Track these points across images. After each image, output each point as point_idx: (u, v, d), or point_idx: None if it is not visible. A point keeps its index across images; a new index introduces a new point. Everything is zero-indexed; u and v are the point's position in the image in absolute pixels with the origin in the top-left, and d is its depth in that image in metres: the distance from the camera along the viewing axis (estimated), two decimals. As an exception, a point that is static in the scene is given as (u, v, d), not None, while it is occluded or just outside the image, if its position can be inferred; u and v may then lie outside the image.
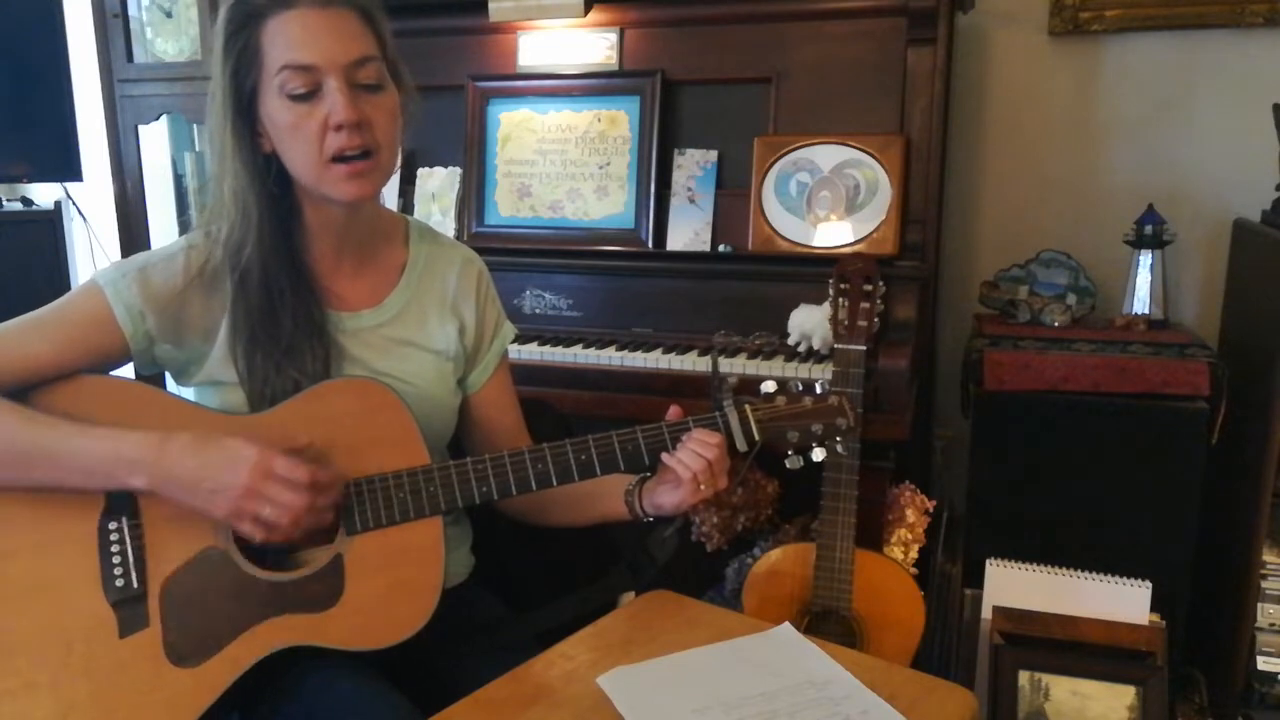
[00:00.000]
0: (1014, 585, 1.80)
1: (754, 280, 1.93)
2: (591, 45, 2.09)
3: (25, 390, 1.06)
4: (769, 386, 1.17)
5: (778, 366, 1.78)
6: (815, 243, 1.95)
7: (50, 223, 2.91)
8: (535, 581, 1.40)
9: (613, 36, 2.08)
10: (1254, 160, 2.07)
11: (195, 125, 2.57)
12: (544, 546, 1.36)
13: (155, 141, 2.58)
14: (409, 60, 1.18)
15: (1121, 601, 1.74)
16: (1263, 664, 1.79)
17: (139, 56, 2.47)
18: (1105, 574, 1.77)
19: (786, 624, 1.12)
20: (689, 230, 2.03)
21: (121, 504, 1.05)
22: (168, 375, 1.20)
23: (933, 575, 1.97)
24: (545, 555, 1.39)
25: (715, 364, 1.71)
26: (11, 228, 2.87)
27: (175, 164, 2.67)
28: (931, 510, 1.91)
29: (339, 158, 1.08)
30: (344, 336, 1.19)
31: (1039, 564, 1.80)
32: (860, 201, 1.94)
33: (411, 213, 2.19)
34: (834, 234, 1.94)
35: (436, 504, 1.10)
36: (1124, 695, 1.67)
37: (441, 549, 1.10)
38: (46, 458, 1.01)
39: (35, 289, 2.31)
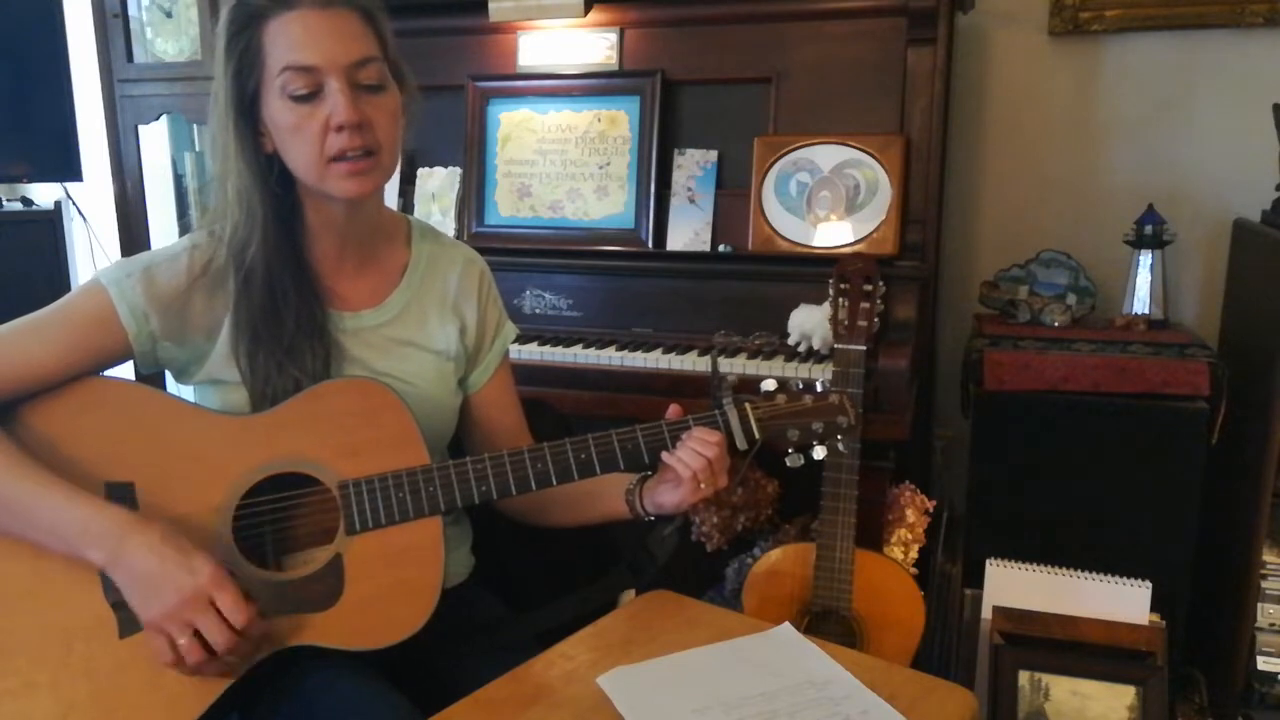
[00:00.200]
0: (1014, 585, 1.80)
1: (754, 280, 1.93)
2: (591, 45, 2.09)
3: (27, 394, 1.06)
4: (769, 385, 1.17)
5: (778, 366, 1.78)
6: (815, 243, 1.95)
7: (50, 223, 2.91)
8: (535, 581, 1.40)
9: (613, 36, 2.08)
10: (1254, 160, 2.07)
11: (195, 125, 2.57)
12: (544, 546, 1.36)
13: (155, 141, 2.58)
14: (409, 60, 1.18)
15: (1121, 601, 1.74)
16: (1263, 664, 1.79)
17: (139, 56, 2.47)
18: (1105, 574, 1.77)
19: (786, 624, 1.12)
20: (689, 230, 2.03)
21: (121, 504, 1.05)
22: (168, 375, 1.20)
23: (933, 575, 1.97)
24: (545, 555, 1.39)
25: (715, 364, 1.71)
26: (11, 228, 2.87)
27: (175, 164, 2.67)
28: (931, 510, 1.92)
29: (340, 157, 1.09)
30: (345, 336, 1.19)
31: (1039, 564, 1.80)
32: (860, 201, 1.94)
33: (411, 213, 2.18)
34: (834, 234, 1.94)
35: (436, 504, 1.10)
36: (1124, 695, 1.67)
37: (441, 549, 1.10)
38: (19, 509, 1.00)
39: (35, 289, 2.32)
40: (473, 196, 2.16)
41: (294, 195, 1.16)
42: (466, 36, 2.17)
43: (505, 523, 1.33)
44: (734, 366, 1.79)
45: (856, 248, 1.91)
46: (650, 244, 2.03)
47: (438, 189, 2.21)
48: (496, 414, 1.32)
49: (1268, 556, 1.77)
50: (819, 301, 1.78)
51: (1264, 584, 1.78)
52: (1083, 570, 1.78)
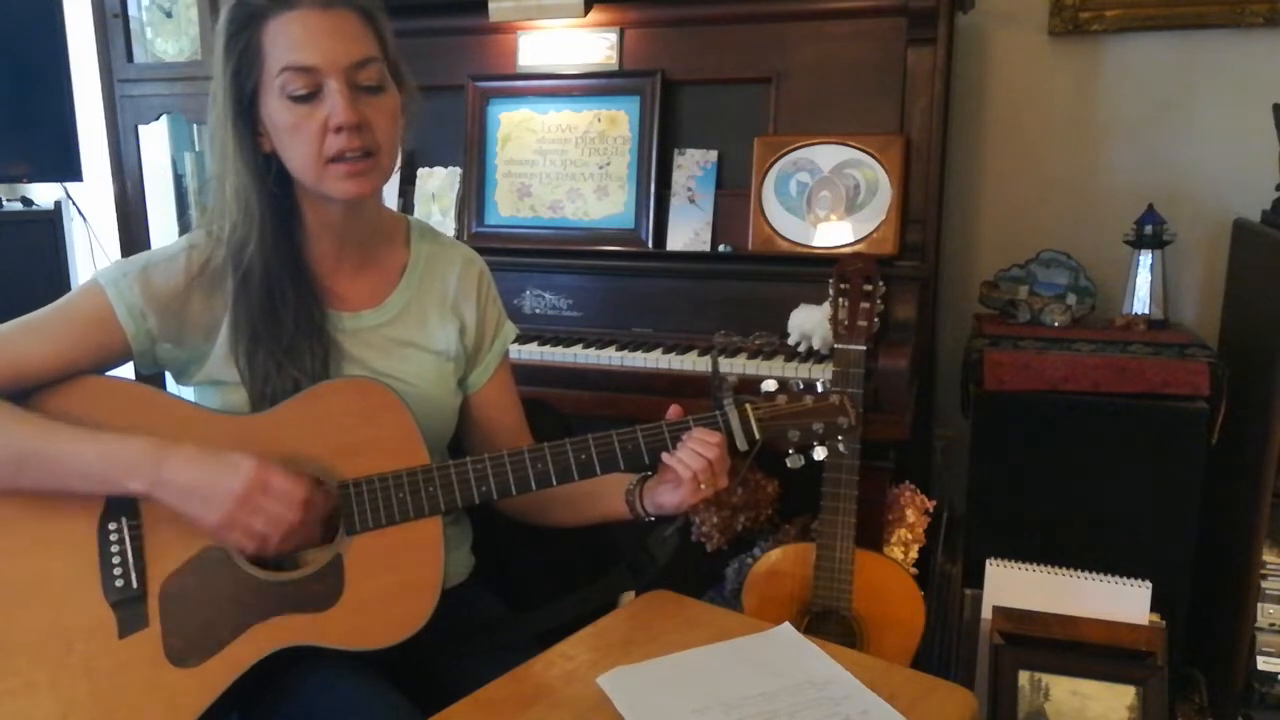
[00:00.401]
0: (1014, 585, 1.80)
1: (754, 280, 1.93)
2: (591, 45, 2.09)
3: (26, 392, 1.06)
4: (769, 386, 1.17)
5: (778, 366, 1.78)
6: (815, 243, 1.95)
7: (50, 223, 2.91)
8: (535, 581, 1.40)
9: (613, 36, 2.08)
10: (1254, 160, 2.06)
11: (195, 125, 2.57)
12: (544, 546, 1.36)
13: (155, 141, 2.58)
14: (409, 60, 1.18)
15: (1121, 601, 1.74)
16: (1263, 664, 1.79)
17: (139, 56, 2.47)
18: (1105, 574, 1.76)
19: (786, 624, 1.12)
20: (689, 230, 2.03)
21: (121, 504, 1.05)
22: (167, 375, 1.20)
23: (933, 575, 1.97)
24: (545, 555, 1.39)
25: (715, 364, 1.71)
26: (11, 228, 2.87)
27: (175, 164, 2.67)
28: (931, 510, 1.92)
29: (338, 158, 1.08)
30: (344, 336, 1.19)
31: (1039, 564, 1.80)
32: (860, 201, 1.94)
33: (411, 213, 2.19)
34: (834, 234, 1.94)
35: (436, 504, 1.10)
36: (1124, 695, 1.67)
37: (441, 549, 1.10)
38: (42, 460, 1.01)
39: (35, 289, 2.32)
40: (473, 196, 2.16)
41: (292, 195, 1.16)
42: (466, 36, 2.17)
43: (505, 523, 1.33)
44: (734, 366, 1.79)
45: (856, 248, 1.91)
46: (650, 244, 2.03)
47: (438, 189, 2.21)
48: (496, 414, 1.32)
49: (1268, 556, 1.77)
50: (819, 301, 1.78)
51: (1264, 584, 1.78)
52: (1083, 570, 1.78)
